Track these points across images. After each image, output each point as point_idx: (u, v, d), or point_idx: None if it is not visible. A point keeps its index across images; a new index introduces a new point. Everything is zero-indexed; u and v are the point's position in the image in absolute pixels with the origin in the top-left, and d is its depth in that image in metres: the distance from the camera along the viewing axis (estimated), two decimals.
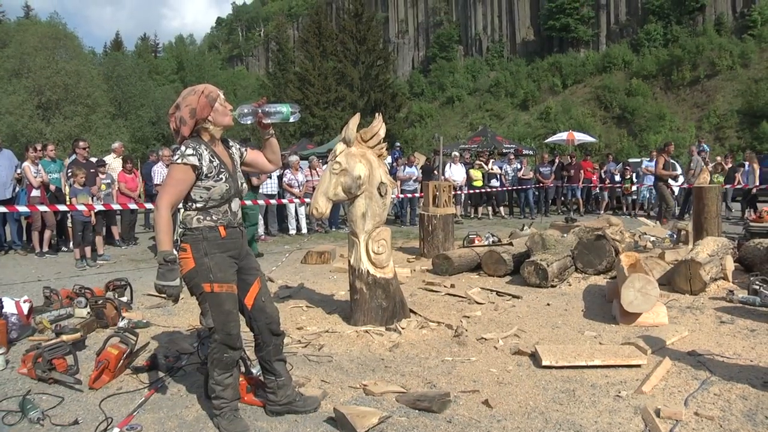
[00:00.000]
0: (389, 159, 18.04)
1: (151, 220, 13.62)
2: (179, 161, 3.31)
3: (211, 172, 3.38)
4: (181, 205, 3.51)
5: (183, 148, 3.34)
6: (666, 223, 12.23)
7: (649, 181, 17.54)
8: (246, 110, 3.54)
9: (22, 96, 40.01)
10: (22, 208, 9.41)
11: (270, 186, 13.01)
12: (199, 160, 3.33)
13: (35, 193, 10.30)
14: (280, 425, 3.53)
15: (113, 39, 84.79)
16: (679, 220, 12.38)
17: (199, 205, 3.40)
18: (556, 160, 19.25)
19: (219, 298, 3.36)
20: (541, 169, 18.07)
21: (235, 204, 3.58)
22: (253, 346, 3.73)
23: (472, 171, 17.25)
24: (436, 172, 15.58)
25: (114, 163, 12.32)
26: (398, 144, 20.37)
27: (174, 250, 3.32)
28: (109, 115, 46.18)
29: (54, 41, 44.28)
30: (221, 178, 3.43)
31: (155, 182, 10.60)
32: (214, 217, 3.43)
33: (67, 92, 42.00)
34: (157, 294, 3.28)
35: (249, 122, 3.59)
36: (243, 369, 3.99)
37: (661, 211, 13.87)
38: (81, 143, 10.94)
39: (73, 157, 11.38)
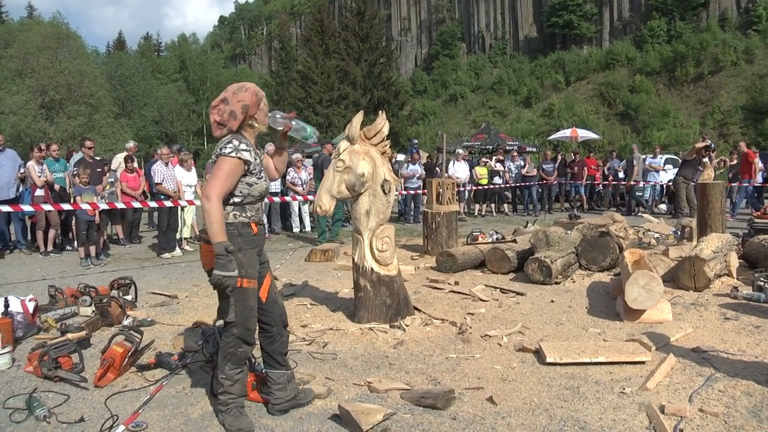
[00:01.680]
0: (401, 156, 18.09)
1: (155, 219, 13.63)
2: (233, 155, 3.32)
3: (255, 169, 3.44)
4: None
5: (236, 142, 3.36)
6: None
7: (653, 178, 17.56)
8: (279, 116, 3.68)
9: (26, 96, 40.10)
10: (27, 207, 9.43)
11: (273, 184, 13.02)
12: (250, 155, 3.39)
13: (39, 192, 10.32)
14: (285, 422, 3.54)
15: (116, 38, 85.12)
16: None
17: (236, 200, 3.42)
18: (559, 157, 19.22)
19: (246, 293, 3.40)
20: (544, 166, 18.04)
21: (263, 203, 3.65)
22: (261, 341, 3.74)
23: (477, 169, 17.24)
24: (438, 169, 15.57)
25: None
26: (416, 141, 20.30)
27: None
28: (113, 115, 46.29)
29: (57, 41, 44.35)
30: (262, 176, 3.51)
31: (156, 181, 10.60)
32: (248, 213, 3.47)
33: (70, 92, 42.09)
34: (216, 286, 3.22)
35: (279, 128, 3.71)
36: (248, 366, 4.00)
37: (681, 208, 13.94)
38: (87, 143, 10.98)
39: (77, 156, 11.40)
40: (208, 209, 3.20)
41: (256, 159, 3.46)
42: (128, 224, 12.20)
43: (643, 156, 18.91)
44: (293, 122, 3.75)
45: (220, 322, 4.14)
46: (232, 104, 3.40)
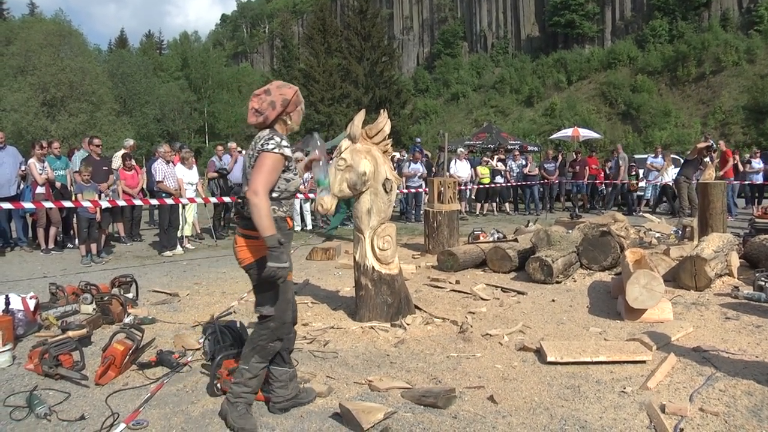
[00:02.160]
0: (401, 155, 18.09)
1: (155, 216, 13.63)
2: (276, 150, 3.36)
3: (292, 165, 3.53)
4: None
5: (277, 138, 3.41)
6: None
7: (654, 177, 17.54)
8: (318, 141, 3.91)
9: (27, 93, 40.13)
10: (28, 205, 9.43)
11: None
12: (290, 151, 3.48)
13: (40, 190, 10.32)
14: (286, 421, 3.54)
15: (118, 36, 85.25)
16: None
17: (275, 195, 3.46)
18: (560, 157, 19.20)
19: (286, 286, 3.48)
20: (546, 166, 18.03)
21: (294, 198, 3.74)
22: None
23: (479, 168, 17.24)
24: (434, 168, 15.57)
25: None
26: (419, 139, 20.24)
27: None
28: (114, 112, 46.34)
29: (59, 38, 44.38)
30: (296, 173, 3.59)
31: (157, 179, 10.59)
32: (284, 208, 3.54)
33: (72, 89, 42.12)
34: (269, 278, 3.25)
35: (313, 149, 3.93)
36: None
37: (683, 207, 13.94)
38: (95, 140, 11.00)
39: (78, 153, 11.40)
40: (256, 204, 3.22)
41: (292, 155, 3.54)
42: (128, 222, 12.21)
43: (645, 155, 18.91)
44: (323, 162, 3.93)
45: (225, 318, 4.14)
46: (274, 95, 3.48)
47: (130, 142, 12.97)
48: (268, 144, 3.36)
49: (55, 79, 41.04)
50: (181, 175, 10.97)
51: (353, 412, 3.37)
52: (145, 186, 13.01)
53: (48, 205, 9.35)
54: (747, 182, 16.87)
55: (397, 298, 5.64)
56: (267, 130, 3.47)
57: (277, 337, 3.50)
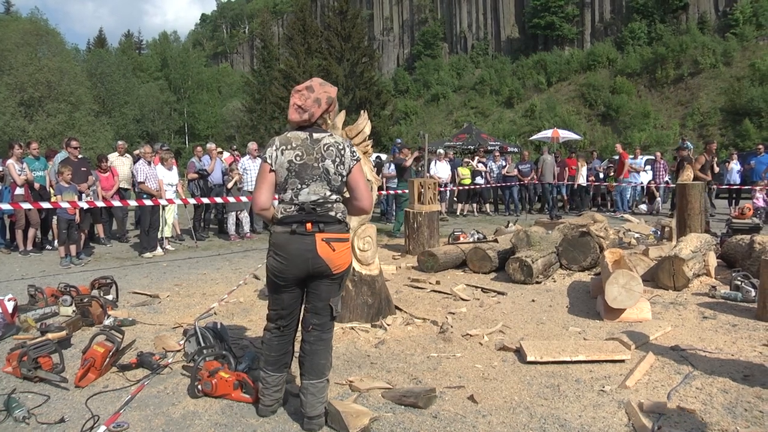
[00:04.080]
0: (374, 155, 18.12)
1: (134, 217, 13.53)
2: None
3: None
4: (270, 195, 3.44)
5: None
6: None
7: (634, 179, 17.69)
8: None
9: (4, 93, 39.58)
10: (6, 206, 9.32)
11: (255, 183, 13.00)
12: None
13: (19, 191, 10.20)
14: (267, 423, 3.52)
15: (96, 36, 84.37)
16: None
17: (342, 198, 3.49)
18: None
19: None
20: (521, 167, 18.10)
21: None
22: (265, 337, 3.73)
23: (460, 169, 17.30)
24: (415, 168, 15.60)
25: (117, 161, 12.42)
26: (399, 140, 20.14)
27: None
28: (93, 113, 45.81)
29: (36, 38, 43.87)
30: None
31: (138, 180, 10.50)
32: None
33: (49, 89, 41.58)
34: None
35: None
36: (231, 365, 3.99)
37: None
38: (73, 142, 10.88)
39: (60, 154, 11.31)
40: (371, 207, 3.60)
41: None
42: (106, 223, 12.14)
43: (631, 156, 19.08)
44: None
45: (204, 322, 4.12)
46: (318, 92, 3.41)
47: (121, 142, 13.08)
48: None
49: (32, 79, 40.49)
50: (161, 176, 10.89)
51: (342, 414, 3.35)
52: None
53: (26, 206, 9.25)
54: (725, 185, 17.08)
55: (377, 299, 5.66)
56: (338, 138, 3.44)
57: None
